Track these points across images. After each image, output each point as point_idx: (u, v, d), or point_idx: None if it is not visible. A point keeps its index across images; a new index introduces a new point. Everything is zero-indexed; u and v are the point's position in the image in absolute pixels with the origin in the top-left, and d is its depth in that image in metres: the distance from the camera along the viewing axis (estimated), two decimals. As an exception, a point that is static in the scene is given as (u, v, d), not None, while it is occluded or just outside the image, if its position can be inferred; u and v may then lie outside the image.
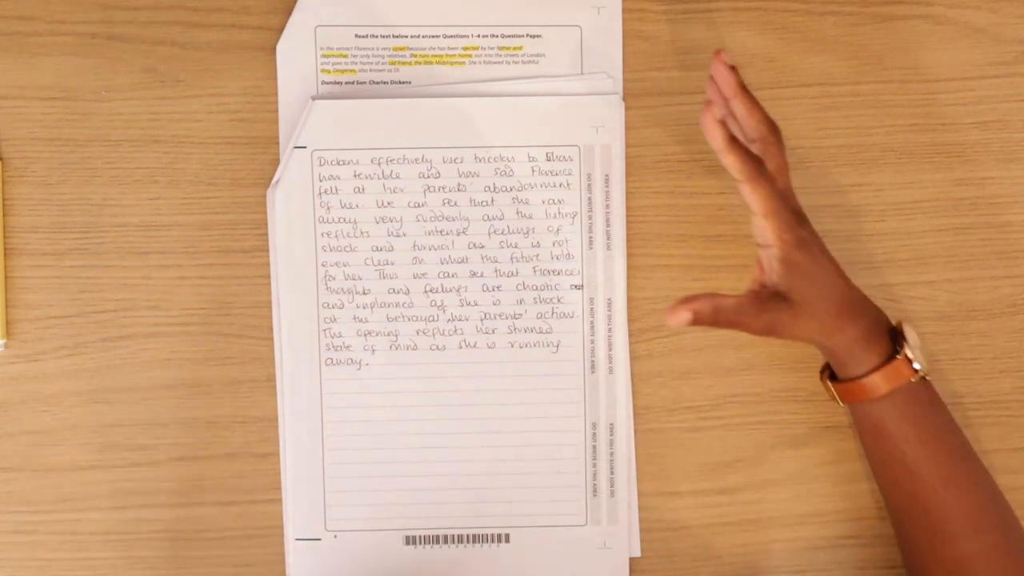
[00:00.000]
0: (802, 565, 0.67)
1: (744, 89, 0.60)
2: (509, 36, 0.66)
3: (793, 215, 0.58)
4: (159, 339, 0.66)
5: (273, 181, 0.65)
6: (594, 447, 0.66)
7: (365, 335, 0.66)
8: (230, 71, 0.66)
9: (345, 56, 0.66)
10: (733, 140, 0.56)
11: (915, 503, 0.60)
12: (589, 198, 0.66)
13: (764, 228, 0.58)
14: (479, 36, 0.66)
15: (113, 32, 0.65)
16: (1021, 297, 0.67)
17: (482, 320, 0.66)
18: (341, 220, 0.66)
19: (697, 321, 0.57)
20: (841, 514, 0.67)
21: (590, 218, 0.66)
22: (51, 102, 0.65)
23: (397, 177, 0.66)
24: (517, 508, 0.66)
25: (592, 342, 0.66)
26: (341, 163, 0.66)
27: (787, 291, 0.58)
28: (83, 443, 0.65)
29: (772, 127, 0.60)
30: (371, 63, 0.66)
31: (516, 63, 0.66)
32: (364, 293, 0.66)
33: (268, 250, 0.66)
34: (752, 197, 0.57)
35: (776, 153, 0.59)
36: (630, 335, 0.66)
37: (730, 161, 0.56)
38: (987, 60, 0.67)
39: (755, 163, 0.57)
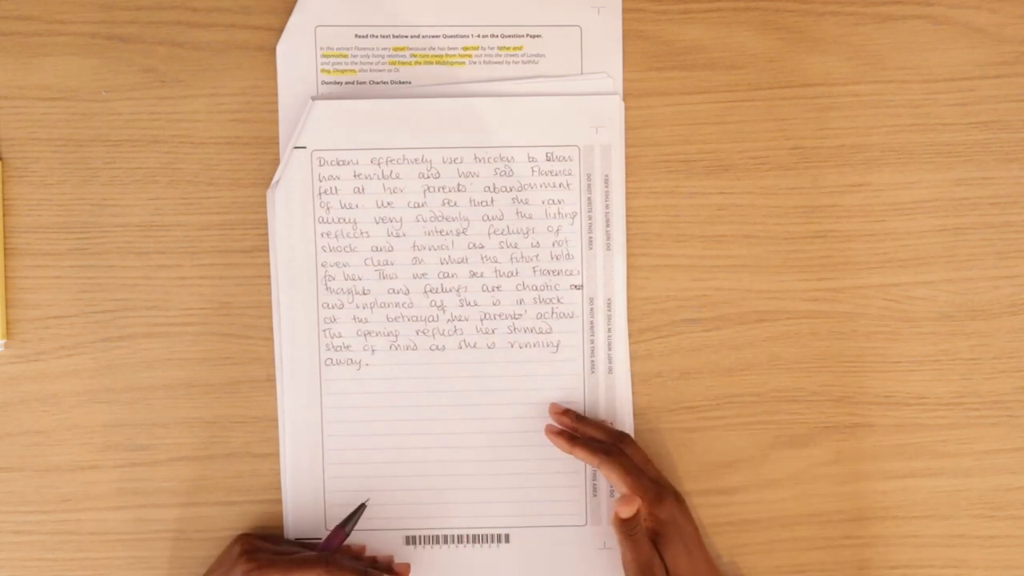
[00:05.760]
0: (802, 565, 0.67)
1: (581, 420, 0.65)
2: (509, 36, 0.66)
3: (658, 495, 0.62)
4: (159, 339, 0.66)
5: (273, 181, 0.65)
6: (594, 447, 0.66)
7: (365, 335, 0.66)
8: (230, 71, 0.66)
9: (345, 56, 0.66)
10: (574, 439, 0.64)
11: None
12: (589, 198, 0.66)
13: (627, 495, 0.61)
14: (479, 36, 0.66)
15: (113, 32, 0.65)
16: (1021, 297, 0.67)
17: (482, 320, 0.66)
18: (341, 220, 0.66)
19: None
20: (841, 514, 0.67)
21: (590, 218, 0.66)
22: (51, 102, 0.65)
23: (397, 177, 0.66)
24: (517, 508, 0.66)
25: (592, 342, 0.66)
26: (341, 163, 0.66)
27: (662, 556, 0.61)
28: (83, 443, 0.66)
29: (619, 436, 0.65)
30: (371, 63, 0.66)
31: (516, 63, 0.66)
32: (364, 293, 0.66)
33: (268, 250, 0.66)
34: (610, 476, 0.62)
35: (633, 451, 0.64)
36: (630, 335, 0.66)
37: (580, 456, 0.63)
38: (987, 60, 0.67)
39: (604, 447, 0.63)
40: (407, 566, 0.64)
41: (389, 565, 0.64)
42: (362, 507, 0.64)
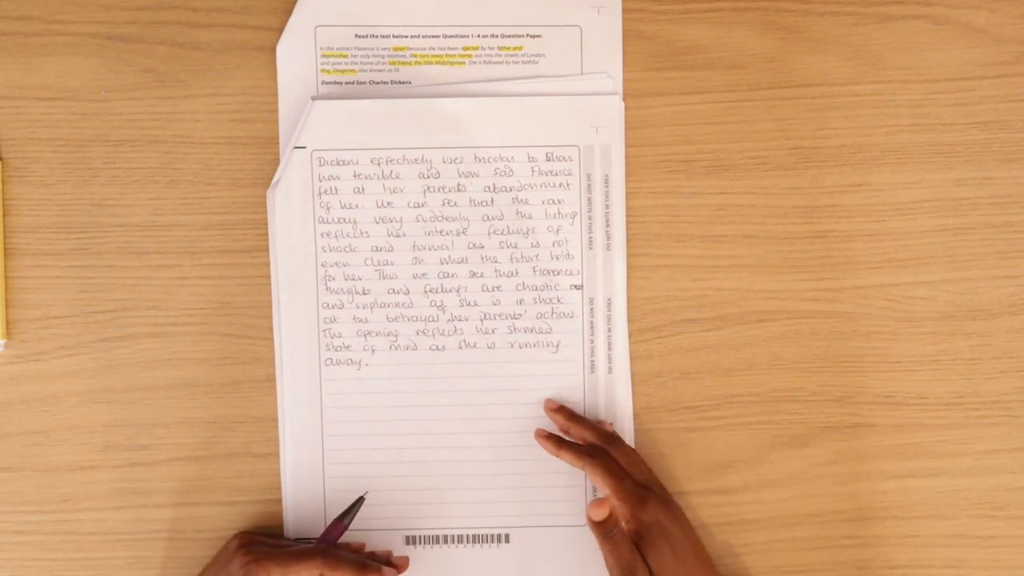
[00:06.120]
0: (802, 565, 0.67)
1: (573, 419, 0.65)
2: (509, 36, 0.66)
3: (640, 498, 0.61)
4: (159, 339, 0.66)
5: (273, 181, 0.65)
6: (594, 447, 0.66)
7: (365, 335, 0.66)
8: (230, 71, 0.66)
9: (345, 56, 0.66)
10: (561, 442, 0.64)
11: None
12: (589, 198, 0.66)
13: (615, 506, 0.61)
14: (479, 36, 0.66)
15: (113, 32, 0.65)
16: (1021, 297, 0.67)
17: (482, 320, 0.66)
18: (341, 220, 0.66)
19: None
20: (841, 514, 0.67)
21: (590, 218, 0.66)
22: (51, 102, 0.65)
23: (397, 177, 0.66)
24: (517, 508, 0.66)
25: (592, 342, 0.66)
26: (341, 163, 0.66)
27: (647, 559, 0.61)
28: (83, 443, 0.66)
29: (607, 438, 0.64)
30: (371, 63, 0.66)
31: (516, 63, 0.66)
32: (364, 293, 0.66)
33: (268, 250, 0.66)
34: (594, 479, 0.62)
35: (620, 453, 0.63)
36: (630, 335, 0.66)
37: (565, 458, 0.64)
38: (987, 60, 0.67)
39: (588, 450, 0.63)
40: (405, 559, 0.64)
41: (387, 559, 0.64)
42: (361, 500, 0.64)
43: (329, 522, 0.65)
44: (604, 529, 0.61)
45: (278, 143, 0.66)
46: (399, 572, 0.63)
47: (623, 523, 0.61)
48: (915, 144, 0.67)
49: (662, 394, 0.67)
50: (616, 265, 0.66)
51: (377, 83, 0.66)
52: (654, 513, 0.61)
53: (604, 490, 0.62)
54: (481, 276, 0.66)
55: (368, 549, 0.65)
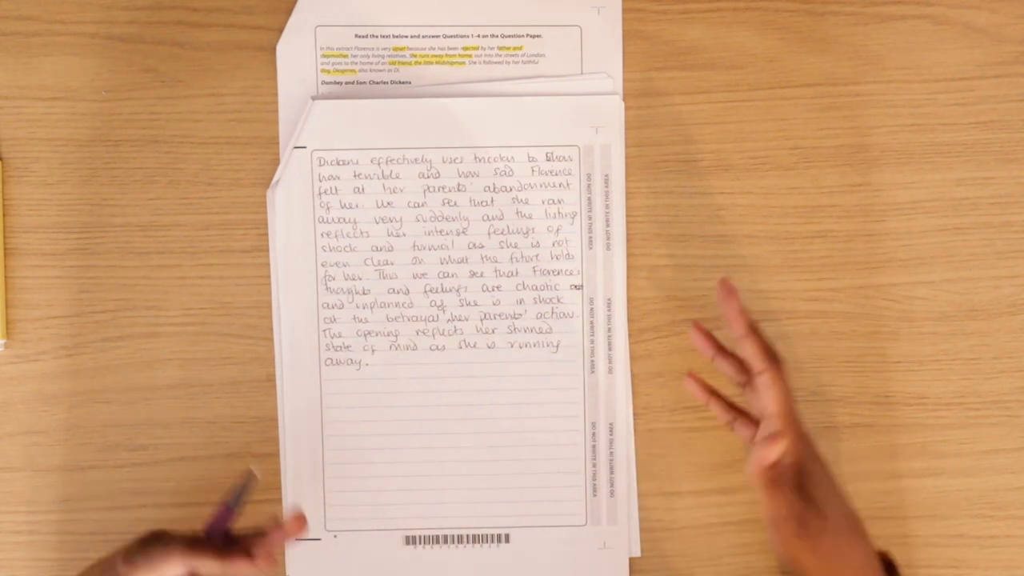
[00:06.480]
0: (802, 565, 0.67)
1: (750, 327, 0.59)
2: (509, 36, 0.66)
3: (800, 425, 0.58)
4: (159, 339, 0.66)
5: (273, 181, 0.65)
6: (594, 447, 0.66)
7: (365, 335, 0.66)
8: (230, 71, 0.66)
9: (345, 56, 0.66)
10: (751, 326, 0.58)
11: None
12: (589, 198, 0.66)
13: (775, 432, 0.56)
14: (479, 36, 0.66)
15: (113, 32, 0.65)
16: (1021, 297, 0.67)
17: (482, 320, 0.66)
18: (341, 220, 0.66)
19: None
20: (841, 514, 0.67)
21: (590, 218, 0.66)
22: (51, 102, 0.65)
23: (397, 177, 0.66)
24: (517, 508, 0.66)
25: (592, 342, 0.66)
26: (341, 163, 0.66)
27: (810, 498, 0.55)
28: (83, 443, 0.66)
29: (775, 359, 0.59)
30: (371, 63, 0.66)
31: (516, 63, 0.66)
32: (364, 293, 0.66)
33: (268, 250, 0.66)
34: (770, 388, 0.56)
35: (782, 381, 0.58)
36: (630, 335, 0.66)
37: (751, 345, 0.57)
38: (987, 60, 0.67)
39: (774, 354, 0.58)
40: (300, 520, 0.59)
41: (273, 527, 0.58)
42: (252, 475, 0.59)
43: (330, 525, 0.65)
44: (774, 473, 0.52)
45: (278, 143, 0.66)
46: (291, 536, 0.57)
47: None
48: (915, 144, 0.67)
49: (662, 394, 0.67)
50: (616, 265, 0.66)
51: (377, 83, 0.66)
52: (808, 446, 0.55)
53: (771, 405, 0.56)
54: (481, 276, 0.66)
55: (363, 551, 0.65)
